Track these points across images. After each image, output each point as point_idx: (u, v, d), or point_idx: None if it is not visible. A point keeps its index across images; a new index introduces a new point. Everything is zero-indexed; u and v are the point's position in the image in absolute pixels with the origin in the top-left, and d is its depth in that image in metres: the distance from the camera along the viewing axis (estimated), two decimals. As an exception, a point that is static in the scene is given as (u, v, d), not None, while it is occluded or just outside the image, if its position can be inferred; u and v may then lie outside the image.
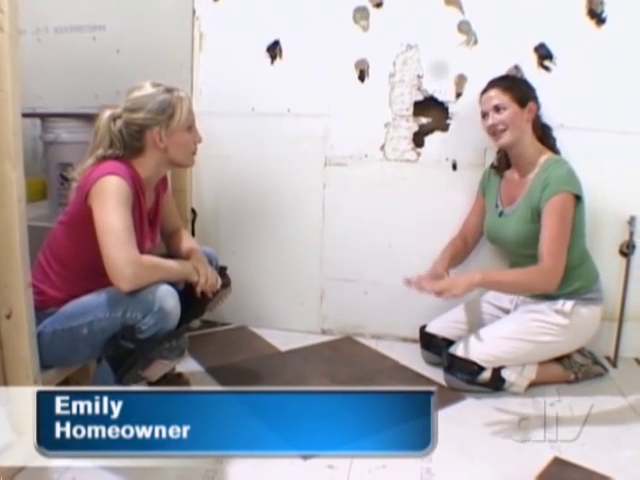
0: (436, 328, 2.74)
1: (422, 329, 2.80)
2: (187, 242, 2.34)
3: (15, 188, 1.80)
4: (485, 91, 2.52)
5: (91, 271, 1.98)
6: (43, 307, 2.01)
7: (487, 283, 2.46)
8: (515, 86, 2.50)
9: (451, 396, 2.47)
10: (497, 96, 2.47)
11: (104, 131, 2.03)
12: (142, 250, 2.01)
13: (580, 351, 2.62)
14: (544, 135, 2.56)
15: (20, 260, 1.84)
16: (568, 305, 2.49)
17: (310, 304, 3.16)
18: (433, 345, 2.70)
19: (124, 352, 1.90)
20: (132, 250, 1.86)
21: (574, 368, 2.58)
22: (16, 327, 1.88)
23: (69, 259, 2.05)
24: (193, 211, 3.10)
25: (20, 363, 1.90)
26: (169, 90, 2.07)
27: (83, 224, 1.94)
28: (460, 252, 2.79)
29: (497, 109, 2.47)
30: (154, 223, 2.24)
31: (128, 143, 2.04)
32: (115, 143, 2.03)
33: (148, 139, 2.04)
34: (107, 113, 2.04)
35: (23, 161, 1.82)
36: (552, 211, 2.39)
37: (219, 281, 2.21)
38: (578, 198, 2.42)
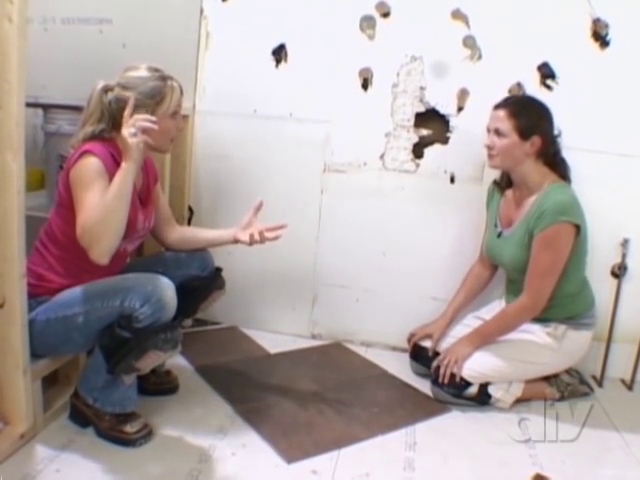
0: (427, 340, 2.73)
1: (411, 338, 2.80)
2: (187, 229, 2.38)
3: (15, 179, 1.81)
4: (497, 107, 2.46)
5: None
6: (37, 293, 2.02)
7: (483, 339, 2.51)
8: (525, 114, 2.41)
9: (437, 407, 2.49)
10: (502, 120, 2.41)
11: (96, 101, 2.05)
12: (135, 223, 2.07)
13: (567, 370, 2.64)
14: (555, 164, 2.49)
15: (16, 250, 1.85)
16: (560, 329, 2.50)
17: (302, 308, 3.17)
18: (422, 357, 2.69)
19: (119, 341, 1.91)
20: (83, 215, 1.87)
21: (560, 387, 2.59)
22: (9, 317, 1.89)
23: (66, 241, 2.04)
24: (190, 209, 3.10)
25: (10, 352, 1.91)
26: (163, 78, 2.09)
27: (72, 201, 1.97)
28: (480, 280, 2.79)
29: (497, 132, 2.44)
30: (146, 202, 2.24)
31: (115, 117, 2.05)
32: (104, 115, 2.05)
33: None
34: (101, 84, 2.06)
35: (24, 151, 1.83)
36: (543, 244, 2.37)
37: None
38: (578, 226, 2.38)
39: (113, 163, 2.00)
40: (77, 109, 2.61)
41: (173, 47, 2.92)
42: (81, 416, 2.11)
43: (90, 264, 1.96)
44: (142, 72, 2.07)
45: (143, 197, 2.22)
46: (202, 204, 3.14)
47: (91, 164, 1.94)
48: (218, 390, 2.49)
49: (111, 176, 1.94)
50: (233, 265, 2.96)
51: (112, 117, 2.05)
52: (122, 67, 2.11)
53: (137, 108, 2.02)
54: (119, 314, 1.91)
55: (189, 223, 3.10)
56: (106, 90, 2.05)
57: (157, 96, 2.06)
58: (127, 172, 1.92)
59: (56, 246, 2.07)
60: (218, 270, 2.41)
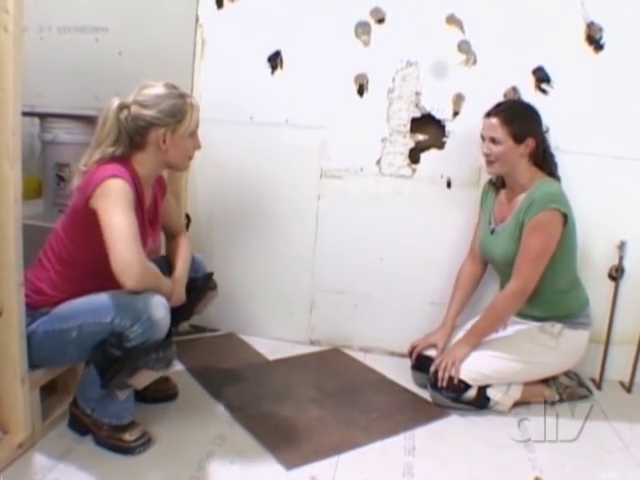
0: (432, 350, 2.69)
1: (413, 350, 2.75)
2: (178, 264, 2.31)
3: (12, 187, 1.81)
4: (488, 115, 2.50)
5: (92, 272, 1.98)
6: (38, 306, 2.01)
7: (478, 337, 2.54)
8: (517, 120, 2.46)
9: (436, 412, 2.49)
10: (495, 128, 2.45)
11: (113, 121, 2.00)
12: (144, 246, 2.01)
13: (566, 373, 2.64)
14: (544, 162, 2.54)
15: (13, 258, 1.85)
16: (557, 327, 2.51)
17: (300, 314, 3.16)
18: (427, 367, 2.60)
19: (111, 358, 1.89)
20: (140, 250, 1.87)
21: (559, 389, 2.60)
22: (7, 325, 1.89)
23: (70, 259, 2.04)
24: (187, 217, 3.10)
25: (9, 361, 1.91)
26: (182, 95, 2.07)
27: (84, 225, 1.95)
28: (473, 279, 2.81)
29: (493, 141, 2.47)
30: (154, 222, 2.25)
31: (132, 136, 2.02)
32: (122, 134, 2.01)
33: (152, 137, 2.03)
34: (116, 102, 2.01)
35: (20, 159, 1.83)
36: (533, 229, 2.41)
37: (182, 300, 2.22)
38: (566, 217, 2.42)
39: (134, 189, 1.99)
40: (74, 118, 2.63)
41: (169, 55, 2.92)
42: (80, 424, 2.11)
43: (94, 283, 1.97)
44: (160, 89, 2.04)
45: (151, 216, 2.22)
46: (199, 211, 3.15)
47: (121, 188, 1.91)
48: (216, 397, 2.49)
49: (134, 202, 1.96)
50: (230, 272, 3.00)
51: (129, 136, 2.02)
52: (138, 85, 2.06)
53: (157, 127, 2.02)
54: (110, 331, 1.89)
55: (187, 230, 3.08)
56: (122, 108, 2.01)
57: (178, 114, 2.04)
58: (165, 290, 2.04)
59: (60, 263, 2.05)
60: (209, 274, 2.42)
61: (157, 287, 1.97)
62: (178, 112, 2.04)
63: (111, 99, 2.03)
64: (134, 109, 2.01)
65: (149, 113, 2.00)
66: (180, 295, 2.18)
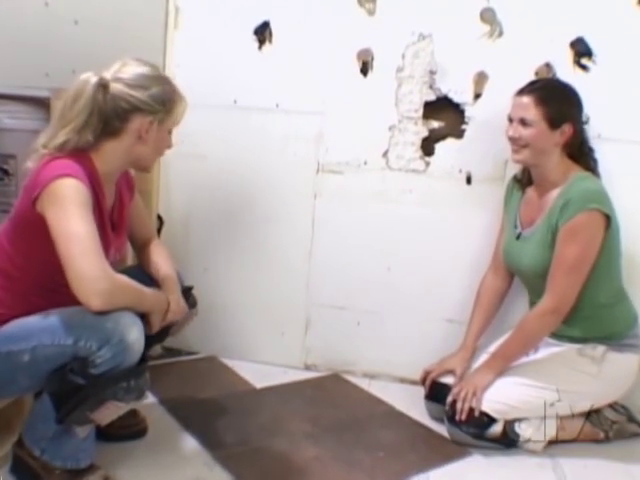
0: (449, 377, 2.65)
1: (426, 377, 2.71)
2: (161, 264, 2.29)
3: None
4: (521, 93, 2.44)
5: (45, 288, 1.94)
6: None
7: (504, 361, 2.49)
8: (554, 101, 2.41)
9: (454, 451, 2.44)
10: (528, 108, 2.40)
11: (88, 99, 1.90)
12: (106, 256, 1.94)
13: (611, 405, 2.57)
14: (581, 156, 2.50)
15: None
16: (599, 350, 2.45)
17: (293, 334, 3.13)
18: (443, 396, 2.56)
19: (71, 388, 1.81)
20: (104, 262, 1.79)
21: (604, 425, 2.53)
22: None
23: (17, 272, 1.97)
24: (159, 218, 3.07)
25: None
26: (169, 82, 2.04)
27: (32, 232, 1.89)
28: (496, 294, 2.76)
29: (523, 122, 2.42)
30: (119, 227, 2.18)
31: (108, 119, 1.94)
32: (94, 117, 1.92)
33: (134, 125, 1.96)
34: (94, 78, 1.91)
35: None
36: (570, 234, 2.35)
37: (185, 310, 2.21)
38: (608, 219, 2.37)
39: (92, 188, 1.91)
40: (20, 99, 2.59)
41: (136, 25, 2.88)
42: (26, 470, 2.01)
43: (48, 300, 1.91)
44: (145, 69, 1.98)
45: (115, 220, 2.15)
46: (173, 213, 3.12)
47: (75, 188, 1.82)
48: (193, 433, 2.44)
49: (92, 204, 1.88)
50: (210, 284, 3.02)
51: (104, 120, 1.94)
52: (117, 61, 1.98)
53: (143, 113, 1.95)
54: (72, 355, 1.81)
55: (158, 235, 3.02)
56: (101, 85, 1.92)
57: (168, 103, 2.00)
58: (151, 304, 1.98)
59: (4, 276, 1.99)
60: (188, 289, 2.35)
61: (136, 303, 1.90)
62: (168, 101, 2.00)
63: (85, 73, 1.94)
64: (116, 87, 1.93)
65: (137, 95, 1.94)
66: (181, 306, 2.15)
